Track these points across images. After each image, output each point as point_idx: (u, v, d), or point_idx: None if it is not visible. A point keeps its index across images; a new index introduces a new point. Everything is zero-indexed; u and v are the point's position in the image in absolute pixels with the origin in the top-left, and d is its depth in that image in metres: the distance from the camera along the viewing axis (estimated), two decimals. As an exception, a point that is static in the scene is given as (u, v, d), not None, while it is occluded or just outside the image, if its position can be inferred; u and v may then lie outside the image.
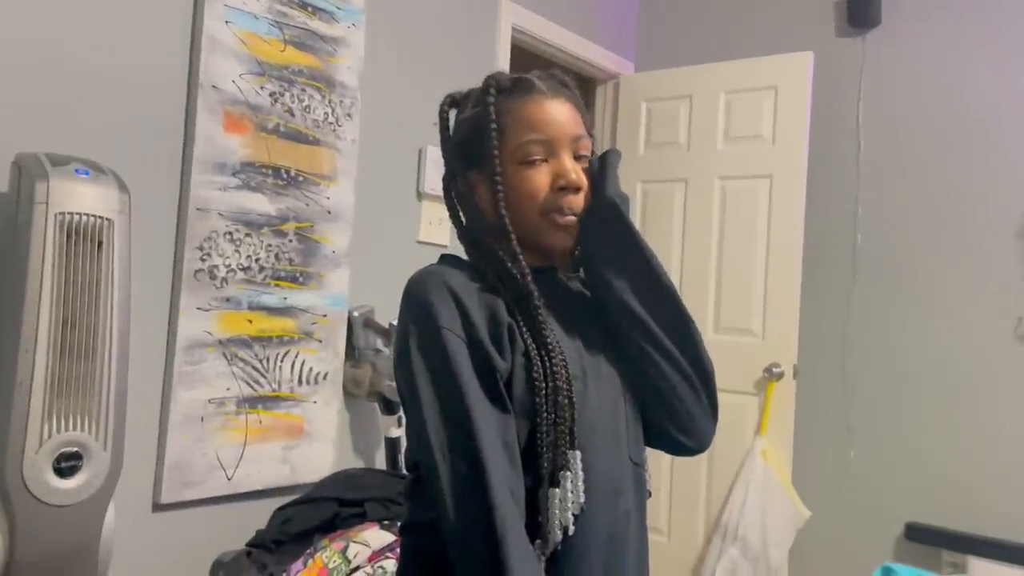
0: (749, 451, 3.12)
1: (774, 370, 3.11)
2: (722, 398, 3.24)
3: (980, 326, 2.90)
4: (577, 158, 1.14)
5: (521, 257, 1.08)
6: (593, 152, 1.18)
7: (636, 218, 3.51)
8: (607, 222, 1.13)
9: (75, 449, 1.58)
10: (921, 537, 2.92)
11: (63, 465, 1.57)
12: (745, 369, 3.17)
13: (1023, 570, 2.69)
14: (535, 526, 1.01)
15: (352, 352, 2.46)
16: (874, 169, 3.16)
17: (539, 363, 1.04)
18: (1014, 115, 2.89)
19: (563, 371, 1.04)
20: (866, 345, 3.12)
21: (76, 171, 1.61)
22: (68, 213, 1.57)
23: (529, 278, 1.07)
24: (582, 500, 1.03)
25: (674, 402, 1.15)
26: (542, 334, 1.05)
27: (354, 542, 1.94)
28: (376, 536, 1.97)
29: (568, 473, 1.02)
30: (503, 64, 3.05)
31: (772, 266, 3.17)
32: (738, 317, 3.23)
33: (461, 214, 1.18)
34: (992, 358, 2.86)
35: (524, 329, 1.06)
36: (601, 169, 1.15)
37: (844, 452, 3.13)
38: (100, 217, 1.60)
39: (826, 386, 3.19)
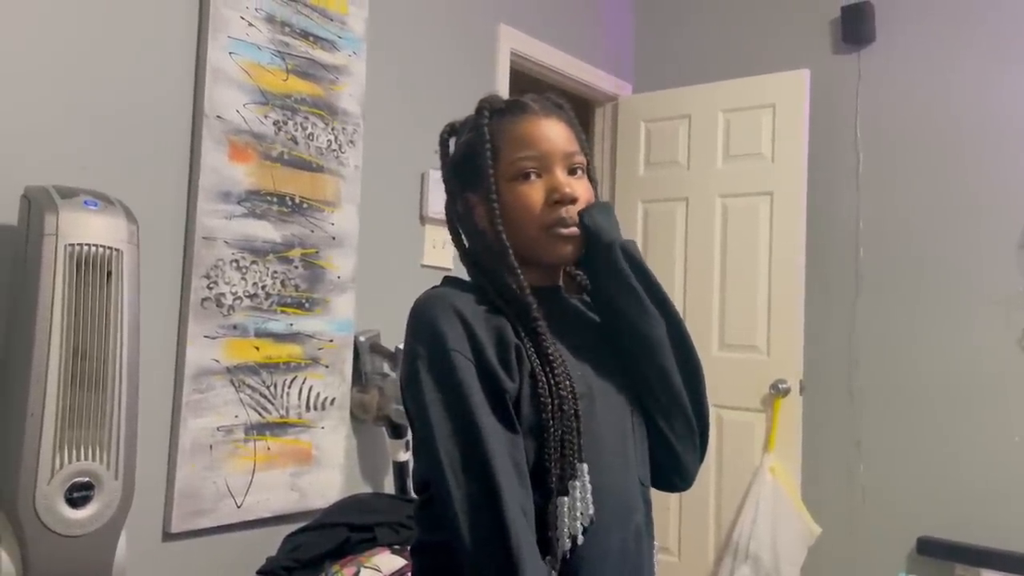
0: (758, 468, 3.11)
1: (780, 386, 3.11)
2: (729, 415, 3.27)
3: (985, 337, 2.90)
4: (572, 172, 1.15)
5: (519, 271, 1.09)
6: (590, 168, 1.19)
7: (637, 238, 3.53)
8: (619, 267, 1.16)
9: (87, 479, 1.59)
10: (933, 551, 2.90)
11: (75, 495, 1.57)
12: (751, 386, 3.17)
13: (1037, 582, 2.68)
14: (545, 541, 1.02)
15: (359, 377, 2.47)
16: (874, 183, 3.17)
17: (544, 379, 1.05)
18: (1011, 125, 2.91)
19: (567, 383, 1.05)
20: (872, 359, 3.12)
21: (85, 203, 1.63)
22: (77, 244, 1.58)
23: (528, 291, 1.09)
24: (591, 511, 1.04)
25: (675, 445, 1.19)
26: (543, 347, 1.06)
27: (365, 567, 1.93)
28: (387, 561, 1.97)
29: (576, 482, 1.03)
30: (503, 88, 3.08)
31: (775, 282, 3.18)
32: (743, 334, 3.23)
33: (463, 236, 1.20)
34: (998, 368, 2.87)
35: (530, 349, 1.07)
36: (594, 220, 1.15)
37: (853, 467, 3.12)
38: (109, 248, 1.62)
39: (833, 401, 3.19)
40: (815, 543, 3.04)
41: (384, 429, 2.52)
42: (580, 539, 1.03)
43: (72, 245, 1.58)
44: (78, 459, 1.57)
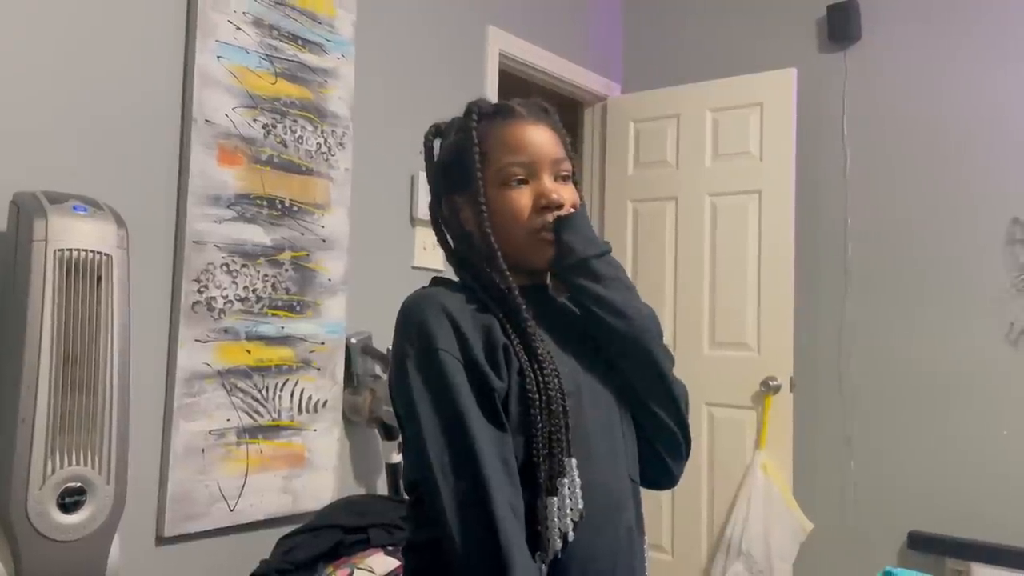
0: (749, 465, 3.12)
1: (771, 383, 3.13)
2: (720, 412, 3.31)
3: (973, 332, 2.92)
4: (558, 179, 1.16)
5: (508, 272, 1.11)
6: (575, 173, 1.20)
7: (628, 237, 3.54)
8: (581, 286, 1.15)
9: (78, 484, 1.59)
10: (924, 545, 2.92)
11: (67, 500, 1.57)
12: (742, 383, 3.19)
13: (1027, 575, 2.70)
14: (535, 537, 1.03)
15: (351, 379, 2.47)
16: (861, 181, 3.19)
17: (532, 377, 1.06)
18: (997, 121, 2.93)
19: (555, 381, 1.07)
20: (861, 355, 3.14)
21: (74, 208, 1.63)
22: (67, 249, 1.58)
23: (516, 292, 1.10)
24: (580, 506, 1.05)
25: (656, 443, 1.21)
26: (532, 347, 1.08)
27: (359, 569, 1.94)
28: (380, 562, 1.97)
29: (565, 480, 1.04)
30: (492, 89, 3.08)
31: (765, 280, 3.20)
32: (733, 332, 3.25)
33: (448, 237, 1.21)
34: (986, 363, 2.89)
35: (519, 347, 1.08)
36: (562, 237, 1.14)
37: (844, 463, 3.14)
38: (99, 253, 1.62)
39: (823, 398, 3.20)
40: (807, 539, 3.05)
41: (376, 431, 2.53)
42: (571, 536, 1.04)
43: (61, 250, 1.58)
44: (70, 464, 1.57)
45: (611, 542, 1.10)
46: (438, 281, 1.18)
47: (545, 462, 1.04)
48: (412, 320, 1.06)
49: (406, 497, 1.16)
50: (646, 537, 1.21)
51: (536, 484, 1.04)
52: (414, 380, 1.03)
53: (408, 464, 1.11)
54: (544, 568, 1.03)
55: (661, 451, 1.21)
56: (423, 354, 1.04)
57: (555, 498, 1.03)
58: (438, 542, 1.00)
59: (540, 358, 1.07)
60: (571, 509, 1.04)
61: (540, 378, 1.06)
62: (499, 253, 1.11)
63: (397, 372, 1.06)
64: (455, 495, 0.98)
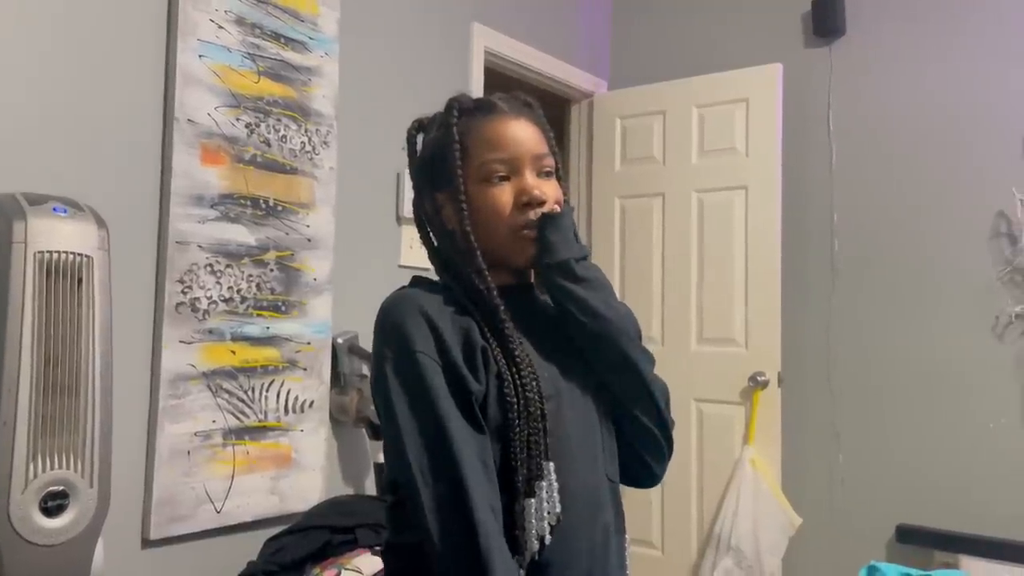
0: (738, 461, 3.13)
1: (759, 379, 3.13)
2: (709, 408, 3.34)
3: (960, 326, 2.93)
4: (541, 175, 1.15)
5: (486, 272, 1.10)
6: (558, 168, 1.19)
7: (615, 234, 3.54)
8: (559, 286, 1.15)
9: (61, 488, 1.57)
10: (912, 539, 2.94)
11: (50, 504, 1.56)
12: (730, 379, 3.19)
13: (1016, 567, 2.71)
14: (513, 541, 1.02)
15: (337, 379, 2.46)
16: (847, 176, 3.20)
17: (510, 380, 1.05)
18: (981, 116, 2.94)
19: (533, 384, 1.06)
20: (849, 350, 3.15)
21: (54, 209, 1.62)
22: (47, 251, 1.57)
23: (495, 292, 1.09)
24: (558, 510, 1.04)
25: (635, 443, 1.21)
26: (509, 348, 1.06)
27: (346, 569, 1.93)
28: (368, 562, 1.96)
29: (543, 483, 1.03)
30: (477, 87, 3.08)
31: (752, 275, 3.20)
32: (721, 327, 3.25)
33: (431, 236, 1.20)
34: (973, 357, 2.90)
35: (496, 350, 1.07)
36: (544, 237, 1.13)
37: (832, 457, 3.15)
38: (79, 254, 1.61)
39: (811, 392, 3.21)
40: (796, 533, 3.06)
41: (364, 431, 2.52)
42: (548, 539, 1.04)
43: (41, 252, 1.56)
44: (52, 468, 1.56)
45: (588, 544, 1.10)
46: (417, 281, 1.17)
47: (523, 465, 1.03)
48: (390, 322, 1.06)
49: (387, 499, 1.16)
50: (627, 536, 1.20)
51: (514, 487, 1.03)
52: (392, 383, 1.03)
53: (388, 466, 1.10)
54: (522, 572, 1.02)
55: (643, 453, 1.20)
56: (401, 356, 1.03)
57: (532, 500, 1.03)
58: (418, 544, 1.00)
59: (518, 361, 1.06)
60: (548, 512, 1.03)
61: (518, 381, 1.05)
62: (478, 251, 1.10)
63: (376, 375, 1.06)
64: (434, 497, 0.98)
